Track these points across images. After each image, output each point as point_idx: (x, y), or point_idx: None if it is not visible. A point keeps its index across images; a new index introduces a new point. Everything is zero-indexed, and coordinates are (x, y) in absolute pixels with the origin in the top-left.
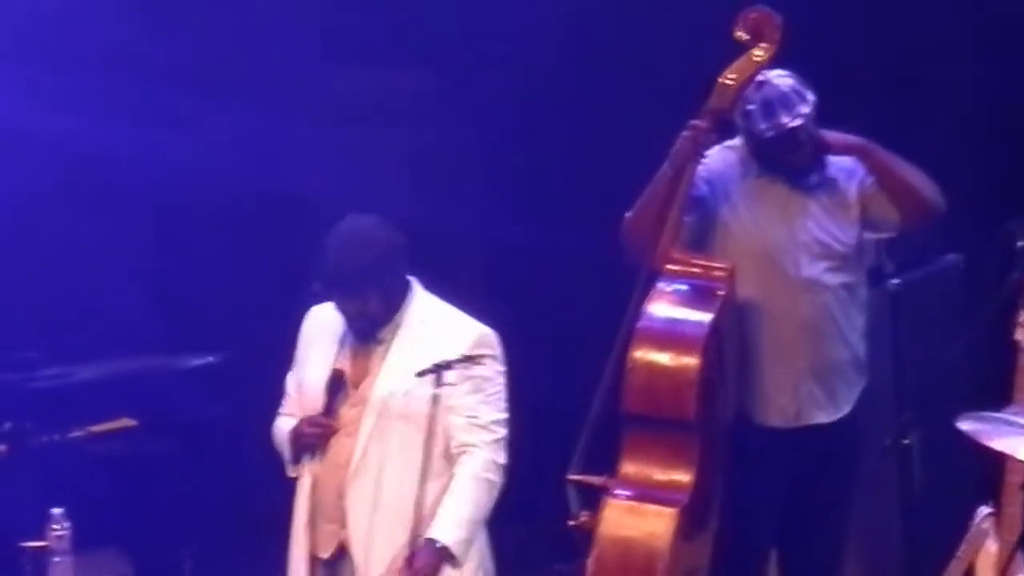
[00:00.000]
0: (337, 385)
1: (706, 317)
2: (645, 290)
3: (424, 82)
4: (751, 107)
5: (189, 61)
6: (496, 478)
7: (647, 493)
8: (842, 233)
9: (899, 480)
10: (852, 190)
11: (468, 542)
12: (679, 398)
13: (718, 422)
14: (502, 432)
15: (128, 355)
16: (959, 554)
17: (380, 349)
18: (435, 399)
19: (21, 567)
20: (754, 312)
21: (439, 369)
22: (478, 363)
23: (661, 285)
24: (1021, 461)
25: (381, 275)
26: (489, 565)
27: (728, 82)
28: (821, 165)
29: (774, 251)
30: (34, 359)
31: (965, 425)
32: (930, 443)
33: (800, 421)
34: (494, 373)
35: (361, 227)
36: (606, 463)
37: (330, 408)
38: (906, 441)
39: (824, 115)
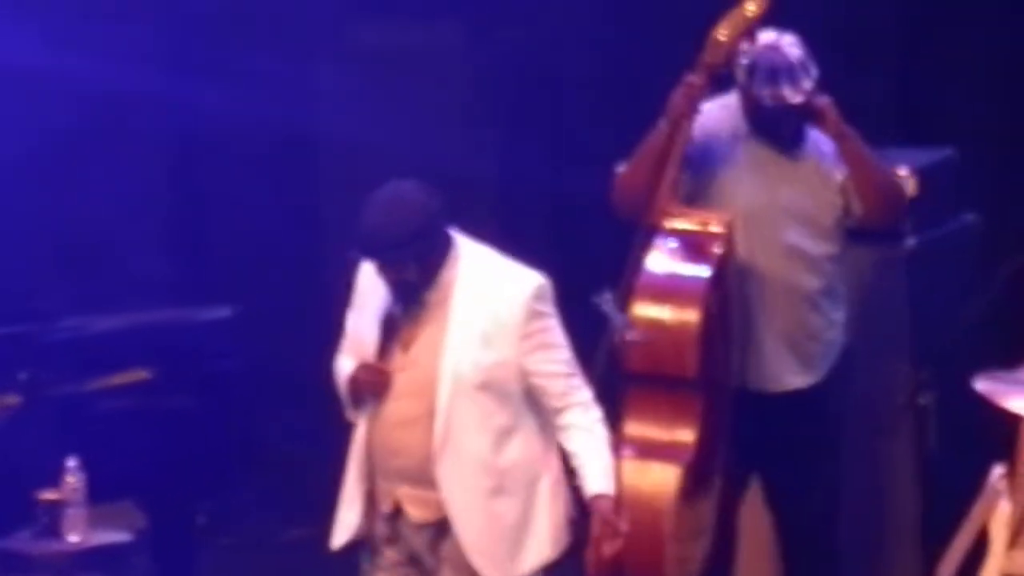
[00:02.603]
0: (392, 330)
1: (705, 271)
2: (643, 246)
3: (447, 35)
4: (757, 70)
5: (216, 8)
6: (600, 414)
7: (650, 451)
8: (825, 204)
9: (915, 439)
10: (837, 168)
11: None
12: (681, 355)
13: (723, 382)
14: (578, 372)
15: (145, 307)
16: (972, 513)
17: (426, 312)
18: (507, 363)
19: (36, 518)
20: (740, 273)
21: None
22: (541, 317)
23: (659, 241)
24: None
25: (417, 243)
26: None
27: (721, 37)
28: (805, 137)
29: (757, 213)
30: (51, 310)
31: (980, 385)
32: (946, 403)
33: (778, 386)
34: (555, 321)
35: (397, 194)
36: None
37: (384, 354)
38: (922, 401)
39: (842, 68)
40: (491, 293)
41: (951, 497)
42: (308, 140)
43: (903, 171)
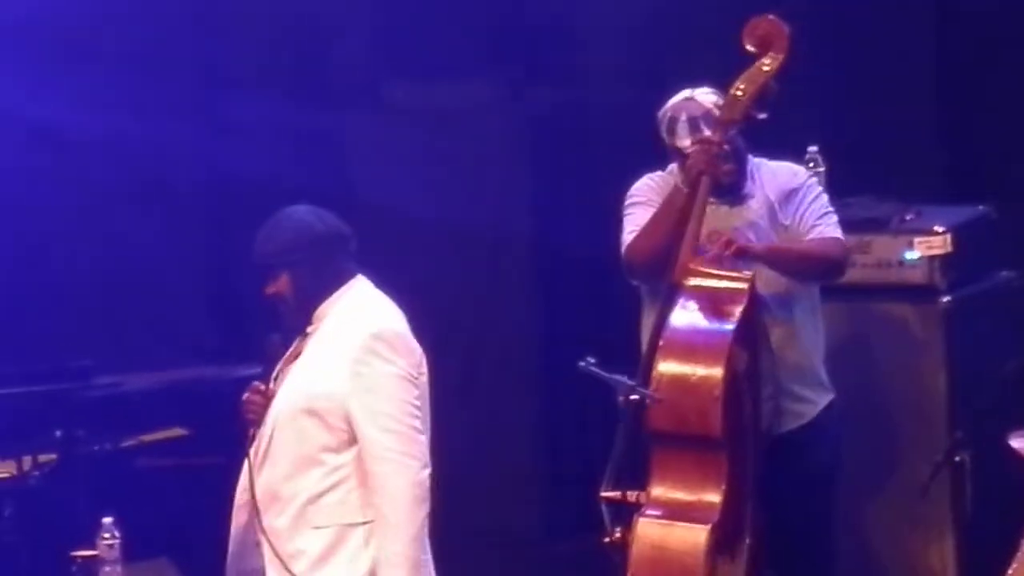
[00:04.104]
0: (275, 359)
1: (728, 328)
2: (666, 305)
3: (483, 94)
4: (677, 123)
5: (252, 65)
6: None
7: (678, 512)
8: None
9: (951, 497)
10: (781, 212)
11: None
12: (705, 414)
13: (750, 438)
14: (404, 438)
15: (181, 364)
16: (1010, 572)
17: (304, 343)
18: (334, 397)
19: (71, 575)
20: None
21: None
22: (376, 359)
23: (682, 299)
24: None
25: (290, 258)
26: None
27: (738, 93)
28: (745, 176)
29: None
30: (87, 367)
31: (1016, 442)
32: (983, 461)
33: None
34: (394, 371)
35: (285, 213)
36: (638, 477)
37: (268, 376)
38: (958, 459)
39: (882, 125)
40: (345, 326)
41: (987, 556)
42: (343, 198)
43: (939, 228)
